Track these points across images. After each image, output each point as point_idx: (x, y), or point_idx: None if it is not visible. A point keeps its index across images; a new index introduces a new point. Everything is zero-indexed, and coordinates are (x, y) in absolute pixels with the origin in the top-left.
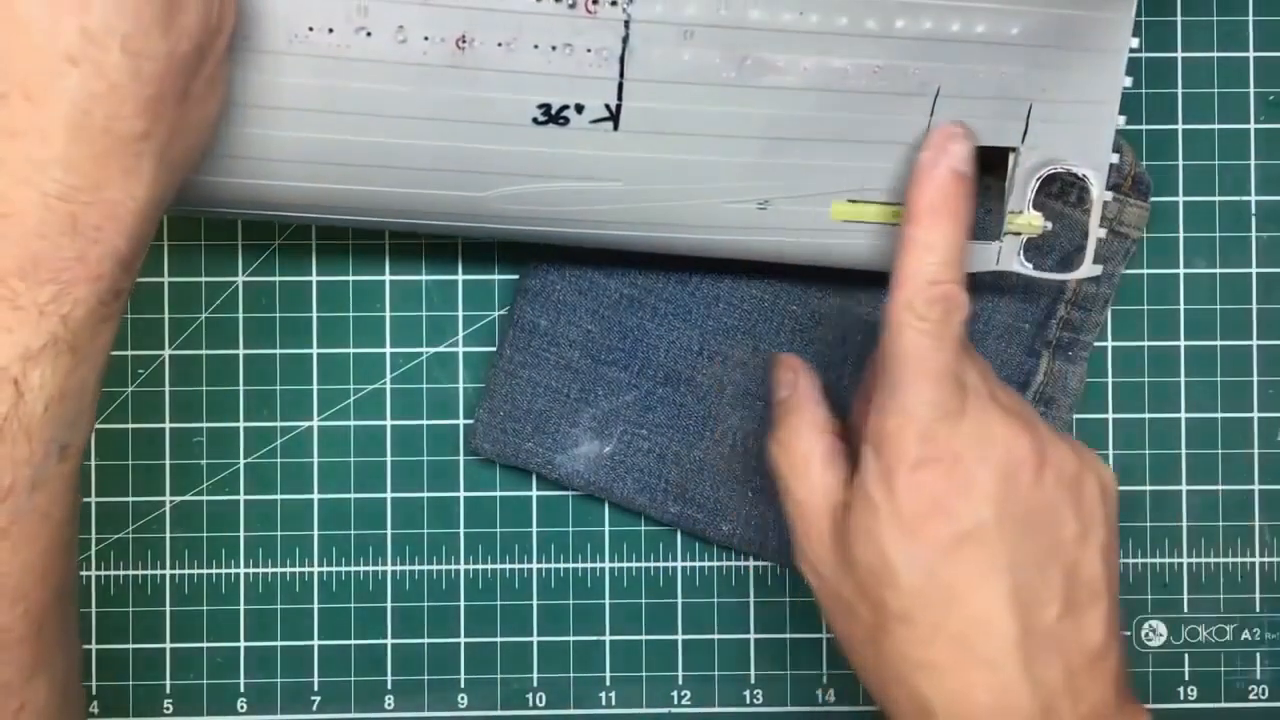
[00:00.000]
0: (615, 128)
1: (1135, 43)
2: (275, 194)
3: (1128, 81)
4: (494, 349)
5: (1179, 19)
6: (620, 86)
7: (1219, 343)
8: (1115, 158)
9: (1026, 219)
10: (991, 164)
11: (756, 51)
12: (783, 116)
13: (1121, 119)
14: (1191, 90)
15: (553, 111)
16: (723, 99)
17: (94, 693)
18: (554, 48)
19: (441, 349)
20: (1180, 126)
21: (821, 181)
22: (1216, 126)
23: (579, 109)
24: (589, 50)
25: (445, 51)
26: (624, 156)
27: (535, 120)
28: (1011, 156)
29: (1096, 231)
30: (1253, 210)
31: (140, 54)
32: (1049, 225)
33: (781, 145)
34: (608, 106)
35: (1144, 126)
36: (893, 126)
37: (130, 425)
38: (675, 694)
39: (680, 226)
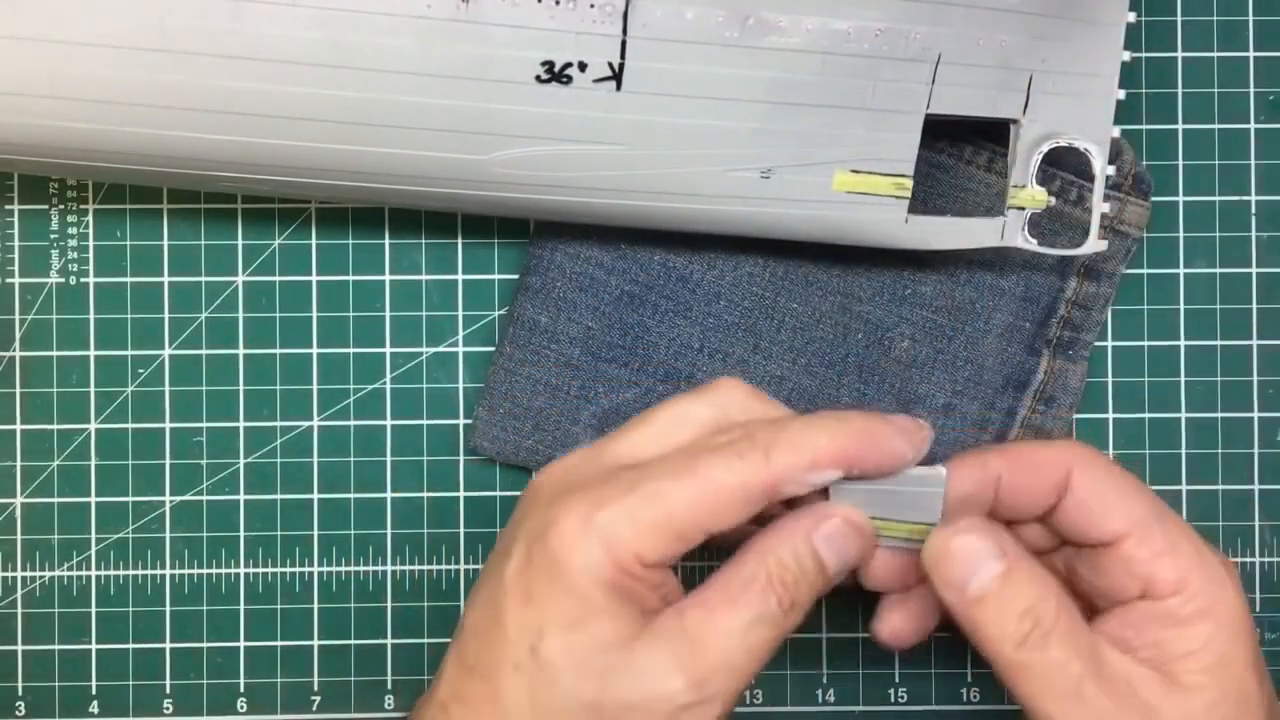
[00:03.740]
0: (618, 88)
1: (1132, 17)
2: (278, 154)
3: (1126, 56)
4: (494, 348)
5: (1179, 19)
6: (623, 44)
7: (1219, 343)
8: (1116, 131)
9: (1030, 193)
10: (995, 136)
11: (759, 11)
12: (785, 80)
13: (1121, 93)
14: (1191, 90)
15: (555, 69)
16: (725, 60)
17: (94, 693)
18: (557, 1)
19: (441, 349)
20: (1180, 126)
21: (824, 150)
22: (1216, 126)
23: (582, 67)
24: (592, 5)
25: (449, 4)
26: (627, 119)
27: (538, 79)
28: (1013, 129)
29: (1100, 207)
30: (1253, 210)
31: None
32: (1053, 200)
33: (784, 110)
34: (611, 65)
35: (1144, 126)
36: (895, 95)
37: (130, 425)
38: None
39: (682, 196)
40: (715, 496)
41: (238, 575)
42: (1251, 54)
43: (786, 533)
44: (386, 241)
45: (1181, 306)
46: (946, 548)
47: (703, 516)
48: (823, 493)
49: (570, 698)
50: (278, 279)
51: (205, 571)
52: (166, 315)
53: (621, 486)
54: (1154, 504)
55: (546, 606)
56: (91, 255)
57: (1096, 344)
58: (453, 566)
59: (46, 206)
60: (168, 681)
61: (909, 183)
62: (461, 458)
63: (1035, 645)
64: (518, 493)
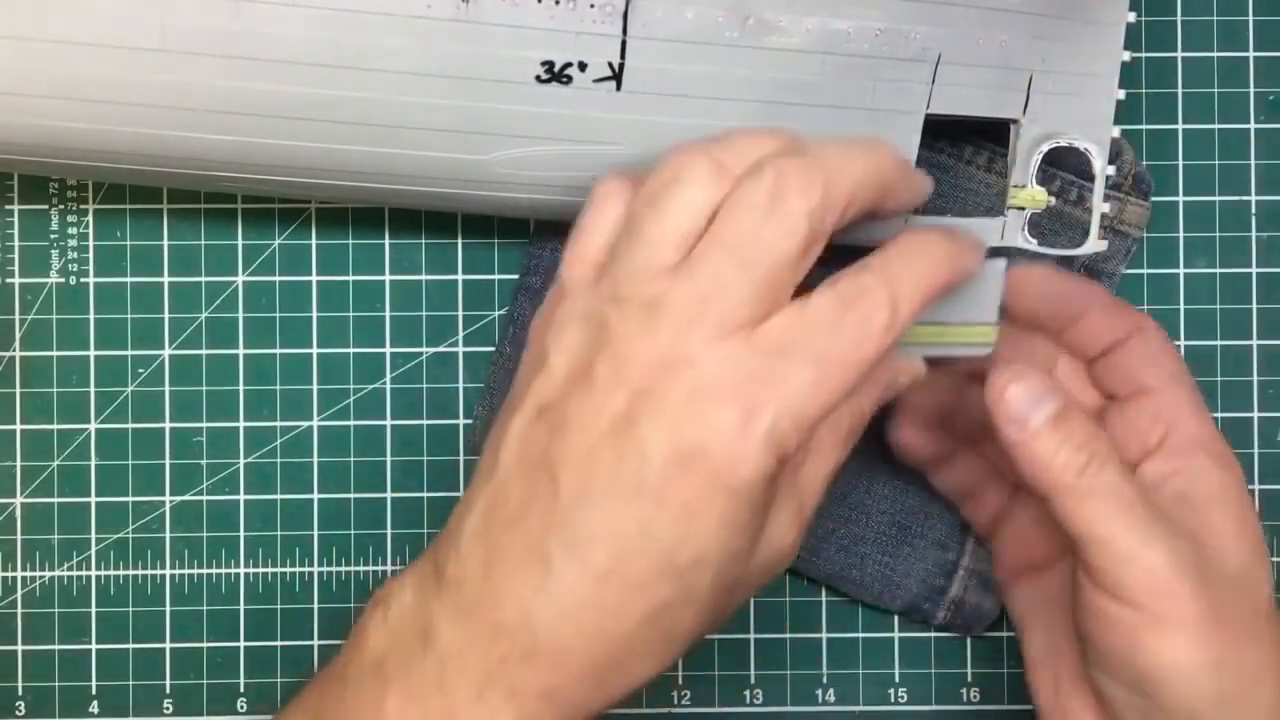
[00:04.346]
0: (618, 88)
1: (1132, 17)
2: (278, 154)
3: (1126, 56)
4: (494, 348)
5: (1179, 19)
6: (624, 44)
7: (1219, 343)
8: (1116, 131)
9: (1030, 193)
10: (995, 136)
11: (759, 11)
12: (786, 80)
13: (1121, 93)
14: (1191, 90)
15: (555, 69)
16: (726, 60)
17: (94, 693)
18: (557, 1)
19: (441, 349)
20: (1180, 126)
21: None
22: (1216, 126)
23: (582, 67)
24: (592, 5)
25: (449, 4)
26: (627, 119)
27: (538, 79)
28: (1013, 129)
29: (1101, 207)
30: (1253, 210)
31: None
32: (1053, 200)
33: (784, 111)
34: (611, 65)
35: (1144, 126)
36: (895, 95)
37: (130, 425)
38: (675, 694)
39: None
40: (857, 372)
41: (238, 575)
42: (1251, 54)
43: (870, 386)
44: (386, 241)
45: (1181, 306)
46: (1007, 388)
47: (847, 391)
48: None
49: (718, 586)
50: (278, 279)
51: (205, 571)
52: (166, 315)
53: (766, 378)
54: (1195, 387)
55: (710, 520)
56: (91, 255)
57: None
58: None
59: (46, 206)
60: (168, 681)
61: None
62: (461, 458)
63: (1096, 471)
64: None
